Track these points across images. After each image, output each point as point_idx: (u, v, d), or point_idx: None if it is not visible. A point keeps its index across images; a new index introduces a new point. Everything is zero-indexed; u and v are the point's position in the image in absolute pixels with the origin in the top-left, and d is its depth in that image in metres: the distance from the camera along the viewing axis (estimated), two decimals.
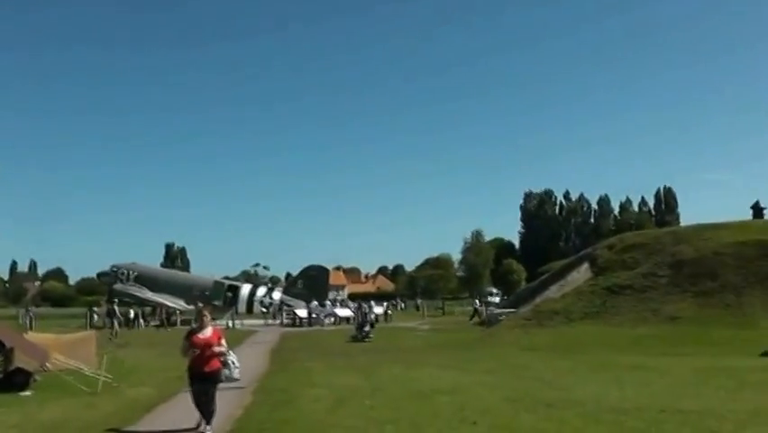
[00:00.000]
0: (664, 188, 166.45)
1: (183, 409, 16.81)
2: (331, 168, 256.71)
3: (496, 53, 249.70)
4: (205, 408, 13.88)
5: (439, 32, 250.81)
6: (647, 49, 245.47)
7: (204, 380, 13.81)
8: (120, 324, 55.20)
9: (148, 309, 70.43)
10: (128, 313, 63.09)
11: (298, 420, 14.77)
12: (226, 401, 17.45)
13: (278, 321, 64.21)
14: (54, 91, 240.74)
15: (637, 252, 47.64)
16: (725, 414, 14.28)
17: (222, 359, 14.25)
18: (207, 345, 13.87)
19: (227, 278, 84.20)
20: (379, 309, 70.84)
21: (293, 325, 61.22)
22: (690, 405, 15.47)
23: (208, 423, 13.85)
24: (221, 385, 14.09)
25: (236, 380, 14.75)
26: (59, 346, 23.60)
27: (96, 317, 65.91)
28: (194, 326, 14.67)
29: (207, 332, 14.10)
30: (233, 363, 14.57)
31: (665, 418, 14.08)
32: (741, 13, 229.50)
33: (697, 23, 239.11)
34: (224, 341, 14.32)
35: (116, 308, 55.66)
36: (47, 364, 21.79)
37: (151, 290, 71.29)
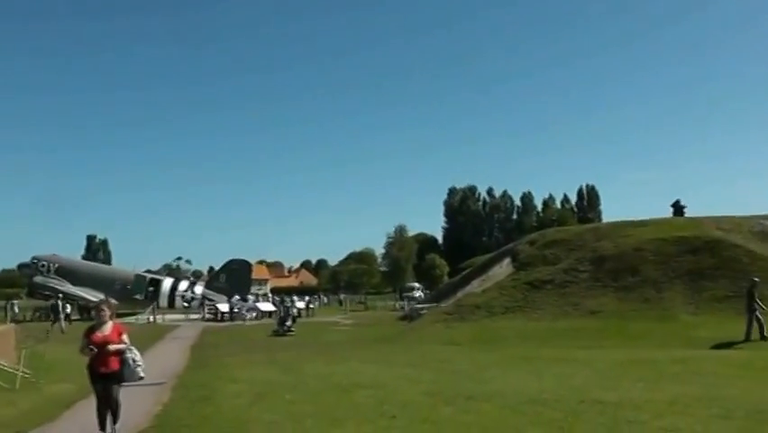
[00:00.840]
0: (587, 185, 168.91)
1: None
2: (255, 161, 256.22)
3: (415, 40, 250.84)
4: (108, 408, 13.07)
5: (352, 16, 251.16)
6: (574, 46, 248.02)
7: (104, 380, 12.89)
8: (67, 318, 53.94)
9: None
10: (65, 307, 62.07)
11: (218, 416, 14.55)
12: (145, 398, 17.20)
13: (199, 316, 63.55)
14: None
15: (559, 247, 48.03)
16: (642, 404, 14.34)
17: (122, 357, 13.01)
18: (105, 342, 12.83)
19: (149, 271, 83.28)
20: (301, 304, 70.68)
21: (215, 319, 60.63)
22: (609, 396, 15.50)
23: (114, 422, 13.16)
24: (139, 383, 13.60)
25: (141, 378, 13.16)
26: None
27: (16, 309, 64.89)
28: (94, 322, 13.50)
29: (106, 329, 13.07)
30: (135, 360, 13.10)
31: (583, 408, 14.09)
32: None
33: (619, 16, 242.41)
34: (125, 337, 13.22)
35: (60, 302, 54.28)
36: None
37: (72, 283, 70.18)
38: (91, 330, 13.05)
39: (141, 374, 13.07)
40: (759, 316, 30.49)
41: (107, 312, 13.28)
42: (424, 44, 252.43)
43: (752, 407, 13.68)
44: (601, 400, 14.89)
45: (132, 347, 13.18)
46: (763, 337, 29.91)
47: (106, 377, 12.85)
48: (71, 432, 13.93)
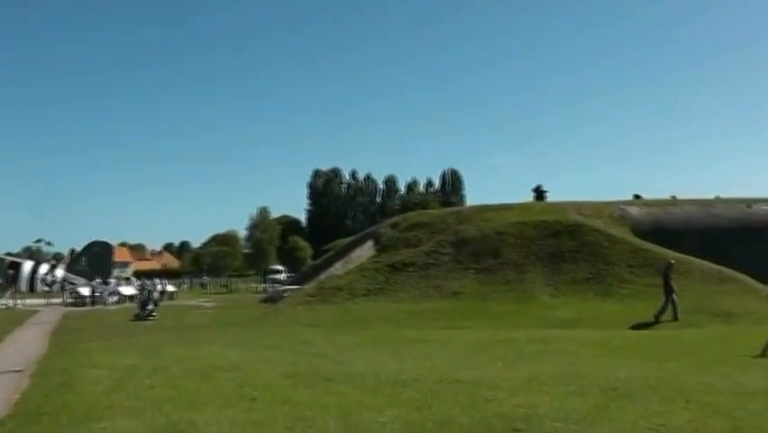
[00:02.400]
0: (450, 170, 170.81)
1: None
2: (117, 142, 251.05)
3: (287, 29, 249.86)
4: None
5: None
6: (442, 31, 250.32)
7: None
8: None
9: None
10: None
11: (77, 403, 14.07)
12: (2, 387, 16.60)
13: (60, 300, 61.90)
14: None
15: (421, 230, 48.55)
16: (500, 383, 14.45)
17: None
18: None
19: (9, 254, 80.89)
20: (168, 287, 69.77)
21: (76, 304, 59.12)
22: (467, 375, 15.62)
23: None
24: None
25: None
26: None
27: None
28: None
29: None
30: None
31: (441, 388, 14.13)
32: None
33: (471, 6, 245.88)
34: None
35: None
36: None
37: None
38: None
39: None
40: (675, 298, 31.44)
41: None
42: (299, 27, 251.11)
43: (606, 384, 13.97)
44: (460, 380, 14.96)
45: None
46: (675, 318, 30.87)
47: None
48: None
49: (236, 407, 12.89)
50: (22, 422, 12.38)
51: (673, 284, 31.97)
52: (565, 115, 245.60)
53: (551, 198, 59.79)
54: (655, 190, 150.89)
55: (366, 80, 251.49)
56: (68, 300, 61.19)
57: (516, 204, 52.82)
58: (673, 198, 58.17)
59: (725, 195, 57.74)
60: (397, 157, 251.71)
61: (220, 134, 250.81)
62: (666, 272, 32.46)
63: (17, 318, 42.60)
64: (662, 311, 31.35)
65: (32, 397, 15.01)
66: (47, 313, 48.74)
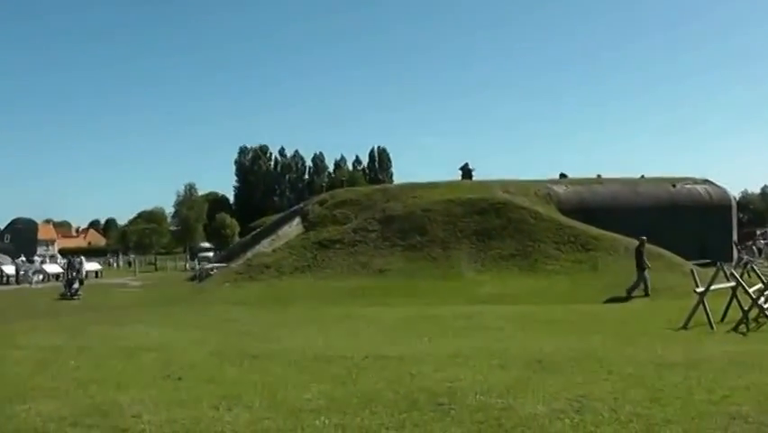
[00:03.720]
0: (378, 148, 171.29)
1: None
2: (43, 117, 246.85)
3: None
4: None
5: None
6: (367, 7, 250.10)
7: None
8: None
9: None
10: None
11: (0, 384, 13.91)
12: None
13: None
14: None
15: (348, 207, 48.58)
16: (425, 358, 14.61)
17: None
18: None
19: None
20: (91, 266, 68.82)
21: None
22: (393, 351, 15.72)
23: None
24: None
25: None
26: None
27: None
28: None
29: None
30: None
31: (367, 364, 14.23)
32: None
33: None
34: None
35: None
36: None
37: None
38: None
39: None
40: (646, 275, 31.81)
41: None
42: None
43: (529, 357, 14.19)
44: (385, 356, 15.07)
45: None
46: (646, 294, 31.28)
47: None
48: None
49: (162, 386, 12.84)
50: None
51: (646, 261, 32.36)
52: (493, 95, 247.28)
53: (478, 176, 60.08)
54: (582, 170, 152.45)
55: (297, 56, 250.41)
56: None
57: (444, 182, 53.14)
58: (599, 177, 58.75)
59: (650, 174, 58.58)
60: (326, 134, 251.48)
61: (147, 110, 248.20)
62: (639, 249, 32.87)
63: None
64: (634, 286, 31.70)
65: None
66: None
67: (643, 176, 58.52)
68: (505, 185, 49.38)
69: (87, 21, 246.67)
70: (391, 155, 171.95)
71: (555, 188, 51.23)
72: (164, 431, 9.65)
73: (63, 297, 41.24)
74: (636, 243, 33.70)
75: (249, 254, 47.59)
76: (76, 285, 42.78)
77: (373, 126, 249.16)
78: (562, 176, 62.98)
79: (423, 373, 12.83)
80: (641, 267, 32.22)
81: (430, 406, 10.08)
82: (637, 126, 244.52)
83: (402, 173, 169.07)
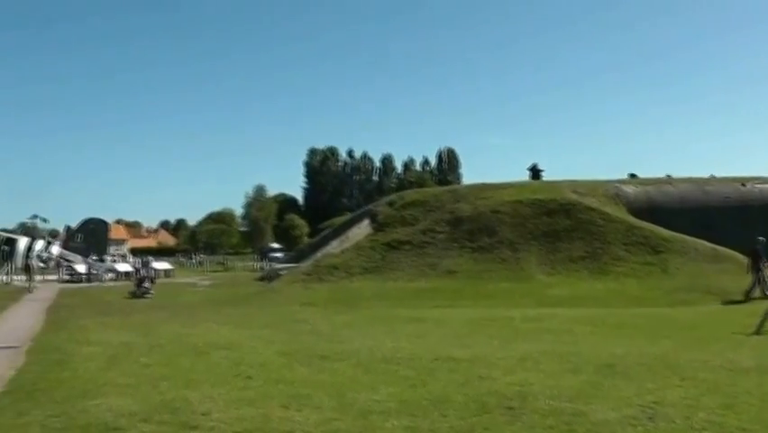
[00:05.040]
0: (446, 149, 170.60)
1: None
2: (115, 119, 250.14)
3: (286, 8, 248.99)
4: None
5: None
6: (433, 11, 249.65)
7: None
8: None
9: None
10: None
11: (72, 380, 14.10)
12: None
13: (56, 277, 61.75)
14: None
15: (417, 209, 48.50)
16: (495, 361, 14.48)
17: None
18: None
19: (4, 230, 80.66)
20: (162, 265, 69.67)
21: (72, 280, 59.01)
22: (462, 354, 15.62)
23: None
24: None
25: None
26: None
27: None
28: None
29: None
30: None
31: (437, 366, 14.17)
32: None
33: None
34: None
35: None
36: None
37: None
38: None
39: None
40: (764, 276, 31.39)
41: None
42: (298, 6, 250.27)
43: (601, 361, 14.01)
44: (455, 358, 14.97)
45: None
46: (765, 295, 30.81)
47: None
48: None
49: (231, 385, 12.92)
50: (17, 398, 12.38)
51: (764, 262, 31.84)
52: (562, 94, 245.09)
53: (546, 176, 59.72)
54: (651, 169, 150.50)
55: (364, 58, 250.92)
56: (64, 277, 61.11)
57: (512, 182, 52.83)
58: (668, 176, 57.98)
59: (719, 174, 57.69)
60: (395, 136, 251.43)
61: (218, 112, 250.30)
62: (756, 249, 32.30)
63: (13, 295, 42.59)
64: (752, 288, 31.21)
65: (28, 373, 15.03)
66: (43, 289, 48.66)
67: (712, 175, 57.65)
68: (573, 185, 49.00)
69: (160, 20, 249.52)
70: (460, 156, 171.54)
71: (624, 188, 50.66)
72: (234, 429, 9.71)
73: (134, 295, 41.69)
74: (753, 244, 32.90)
75: (318, 255, 47.70)
76: (146, 284, 43.27)
77: (442, 127, 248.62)
78: (632, 176, 62.30)
79: (492, 376, 12.75)
80: (756, 268, 31.64)
81: (500, 410, 10.03)
82: (707, 125, 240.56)
83: (470, 174, 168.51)
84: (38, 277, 58.82)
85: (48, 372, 15.12)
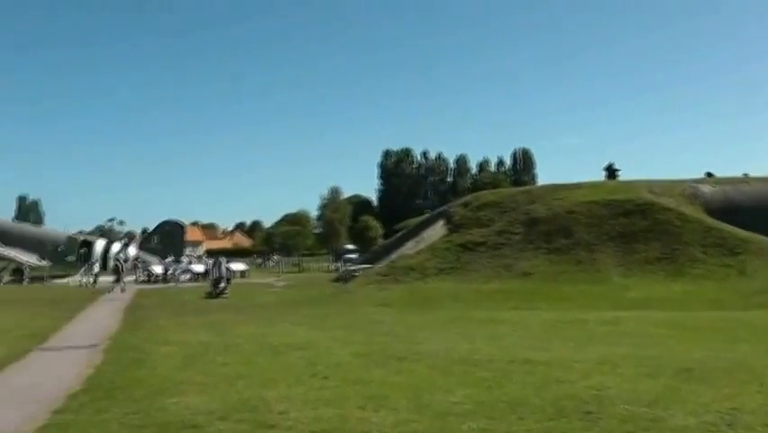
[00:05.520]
0: (521, 149, 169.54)
1: (35, 368, 16.63)
2: (189, 124, 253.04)
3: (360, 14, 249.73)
4: None
5: None
6: (504, 16, 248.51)
7: None
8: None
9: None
10: None
11: (150, 378, 14.36)
12: (77, 361, 17.10)
13: (133, 278, 62.64)
14: None
15: (492, 210, 48.26)
16: (571, 364, 14.40)
17: None
18: None
19: (82, 233, 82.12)
20: (238, 266, 70.36)
21: (148, 281, 59.89)
22: (539, 356, 15.57)
23: None
24: (70, 344, 13.10)
25: None
26: None
27: None
28: None
29: None
30: None
31: (513, 368, 14.15)
32: None
33: None
34: None
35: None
36: None
37: (3, 244, 69.15)
38: None
39: None
40: None
41: None
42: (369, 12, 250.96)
43: (678, 365, 13.88)
44: (531, 360, 14.93)
45: None
46: None
47: None
48: (3, 395, 13.60)
49: (308, 385, 13.04)
50: (95, 396, 12.63)
51: None
52: (636, 93, 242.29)
53: (622, 176, 59.07)
54: (727, 168, 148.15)
55: (438, 61, 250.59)
56: (141, 278, 61.98)
57: (587, 182, 52.38)
58: (745, 175, 57.01)
59: None
60: (469, 137, 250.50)
61: (292, 115, 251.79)
62: None
63: (91, 295, 43.36)
64: None
65: (106, 372, 15.33)
66: (119, 291, 49.51)
67: None
68: (650, 185, 48.41)
69: (254, 27, 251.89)
70: (535, 156, 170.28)
71: (701, 187, 49.91)
72: (311, 429, 9.80)
73: (210, 295, 42.18)
74: None
75: (393, 256, 47.72)
76: (222, 284, 43.72)
77: (517, 128, 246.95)
78: (708, 175, 61.40)
79: (569, 379, 12.70)
80: None
81: (577, 414, 10.00)
82: None
83: (545, 175, 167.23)
84: (128, 278, 59.96)
85: (126, 370, 15.41)
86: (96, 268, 62.04)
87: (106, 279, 60.25)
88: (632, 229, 41.13)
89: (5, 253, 67.95)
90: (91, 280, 57.61)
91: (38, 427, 10.66)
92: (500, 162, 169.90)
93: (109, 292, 46.53)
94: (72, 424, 10.69)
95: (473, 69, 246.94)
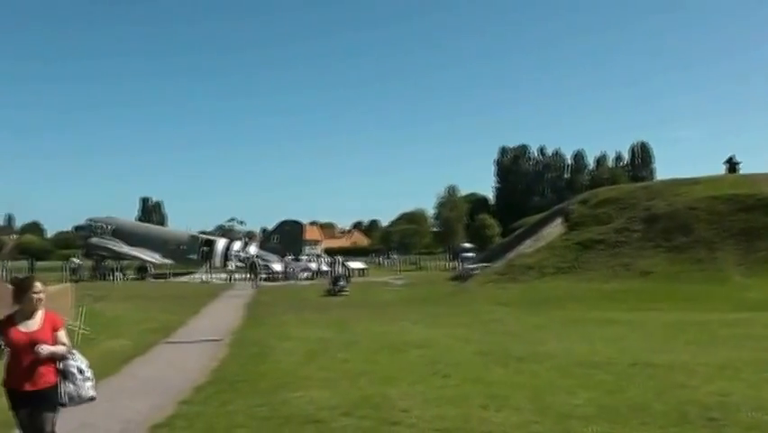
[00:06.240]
0: (639, 143, 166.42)
1: (161, 361, 17.39)
2: (309, 124, 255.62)
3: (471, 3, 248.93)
4: None
5: None
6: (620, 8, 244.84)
7: (31, 402, 7.67)
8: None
9: (125, 263, 70.81)
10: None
11: (273, 373, 14.78)
12: (201, 355, 17.85)
13: (253, 275, 63.76)
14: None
15: (611, 206, 47.65)
16: (694, 368, 14.24)
17: (60, 366, 7.89)
18: (32, 342, 7.63)
19: (203, 232, 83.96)
20: (356, 264, 71.16)
21: (268, 279, 60.92)
22: (660, 359, 15.44)
23: None
24: (196, 339, 13.44)
25: (91, 398, 8.08)
26: None
27: (77, 263, 67.19)
28: (14, 310, 7.88)
29: (34, 321, 7.83)
30: (81, 371, 8.00)
31: (635, 371, 14.08)
32: None
33: None
34: (63, 334, 8.03)
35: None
36: None
37: (128, 243, 71.34)
38: (9, 322, 7.86)
39: (92, 393, 8.07)
40: None
41: (40, 292, 7.92)
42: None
43: None
44: (652, 364, 14.82)
45: (75, 351, 8.15)
46: None
47: (35, 399, 7.68)
48: (132, 386, 14.13)
49: (429, 383, 13.23)
50: (220, 388, 13.11)
51: None
52: (755, 83, 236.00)
53: (743, 170, 57.49)
54: None
55: (552, 54, 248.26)
56: (261, 276, 62.97)
57: (707, 177, 51.04)
58: None
59: None
60: (586, 131, 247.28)
61: (407, 114, 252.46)
62: None
63: (213, 292, 44.38)
64: None
65: (230, 365, 15.87)
66: (240, 288, 50.53)
67: None
68: None
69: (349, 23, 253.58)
70: (653, 150, 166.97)
71: None
72: (434, 427, 9.99)
73: (329, 293, 42.73)
74: None
75: (510, 255, 47.54)
76: (342, 282, 44.22)
77: (634, 121, 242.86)
78: None
79: (692, 384, 12.57)
80: None
81: (701, 421, 9.93)
82: None
83: (663, 169, 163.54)
84: (235, 276, 61.19)
85: (249, 364, 15.90)
86: (232, 266, 64.02)
87: (222, 276, 61.73)
88: (753, 226, 40.01)
89: (130, 253, 70.14)
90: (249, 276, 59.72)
91: (166, 416, 11.15)
92: (618, 157, 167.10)
93: (255, 288, 48.57)
94: (199, 415, 11.14)
95: (589, 61, 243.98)
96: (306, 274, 63.79)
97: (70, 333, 20.21)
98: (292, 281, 58.56)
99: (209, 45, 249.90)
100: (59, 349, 7.81)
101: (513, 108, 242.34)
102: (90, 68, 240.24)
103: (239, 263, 67.74)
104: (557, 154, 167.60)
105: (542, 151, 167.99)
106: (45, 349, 7.59)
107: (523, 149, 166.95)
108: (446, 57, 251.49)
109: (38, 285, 7.92)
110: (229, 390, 13.08)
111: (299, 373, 14.57)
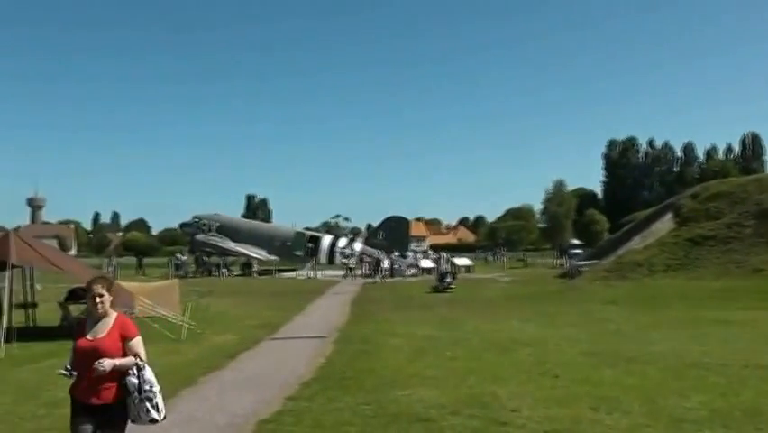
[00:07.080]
0: (750, 134, 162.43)
1: (267, 356, 17.76)
2: (414, 122, 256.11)
3: None
4: None
5: None
6: None
7: (93, 416, 6.97)
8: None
9: (230, 259, 71.95)
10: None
11: (379, 369, 15.00)
12: (307, 351, 18.23)
13: (359, 272, 64.59)
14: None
15: (721, 201, 46.54)
16: None
17: (124, 381, 7.03)
18: (95, 351, 6.97)
19: (308, 229, 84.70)
20: (463, 261, 71.23)
21: (374, 275, 61.35)
22: None
23: None
24: (300, 334, 13.60)
25: (153, 421, 7.11)
26: (144, 293, 23.90)
27: (184, 259, 68.92)
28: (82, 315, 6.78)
29: (101, 329, 7.16)
30: (141, 390, 7.04)
31: (748, 373, 13.96)
32: None
33: None
34: (136, 343, 7.20)
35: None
36: (133, 309, 21.83)
37: (233, 240, 72.48)
38: (80, 328, 7.35)
39: (153, 415, 7.09)
40: None
41: (106, 296, 7.19)
42: None
43: None
44: (766, 366, 14.64)
45: (145, 364, 7.18)
46: None
47: (98, 413, 6.99)
48: (239, 380, 14.50)
49: (538, 383, 13.34)
50: (327, 385, 13.40)
51: None
52: None
53: None
54: None
55: (662, 46, 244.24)
56: (367, 272, 63.34)
57: None
58: None
59: None
60: (696, 122, 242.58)
61: (515, 109, 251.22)
62: None
63: (318, 288, 44.90)
64: None
65: (336, 362, 16.17)
66: (346, 284, 51.03)
67: None
68: None
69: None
70: (765, 141, 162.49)
71: None
72: (544, 428, 10.12)
73: (435, 290, 42.88)
74: None
75: (619, 252, 46.93)
76: (448, 279, 44.30)
77: (745, 111, 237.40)
78: None
79: None
80: None
81: None
82: None
83: None
84: (340, 272, 61.76)
85: (355, 361, 16.17)
86: (353, 262, 64.85)
87: (332, 272, 62.18)
88: None
89: (236, 249, 71.31)
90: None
91: (273, 412, 11.48)
92: (729, 149, 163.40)
93: (382, 283, 50.78)
94: (306, 411, 11.43)
95: (698, 52, 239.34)
96: (412, 271, 64.14)
97: (178, 328, 20.92)
98: (398, 278, 58.78)
99: (316, 43, 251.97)
100: (126, 362, 7.02)
101: (621, 100, 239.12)
102: (195, 67, 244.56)
103: (344, 260, 68.19)
104: (666, 147, 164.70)
105: (651, 143, 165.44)
106: (106, 364, 6.82)
107: (631, 141, 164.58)
108: (551, 50, 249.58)
109: (97, 288, 7.13)
110: (335, 387, 13.34)
111: (406, 371, 14.78)
